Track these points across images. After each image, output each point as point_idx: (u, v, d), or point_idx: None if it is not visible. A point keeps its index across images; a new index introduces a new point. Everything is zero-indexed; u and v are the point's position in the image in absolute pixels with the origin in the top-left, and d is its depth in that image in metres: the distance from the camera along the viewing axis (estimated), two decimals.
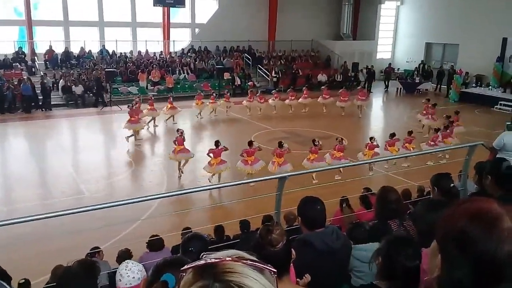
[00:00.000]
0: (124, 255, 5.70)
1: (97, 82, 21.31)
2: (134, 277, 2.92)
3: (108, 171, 13.25)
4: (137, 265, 3.02)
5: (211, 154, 11.46)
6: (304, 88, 21.48)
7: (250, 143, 11.70)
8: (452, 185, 3.90)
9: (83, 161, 14.05)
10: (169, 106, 17.84)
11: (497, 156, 6.08)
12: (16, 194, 11.01)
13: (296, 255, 2.48)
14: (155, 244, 6.14)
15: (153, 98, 18.30)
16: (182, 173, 12.23)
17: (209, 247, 3.49)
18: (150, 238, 6.24)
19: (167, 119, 18.12)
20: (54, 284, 3.31)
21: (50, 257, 6.46)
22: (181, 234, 6.01)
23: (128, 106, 15.95)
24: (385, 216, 3.58)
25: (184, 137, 12.44)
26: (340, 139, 12.30)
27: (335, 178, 11.28)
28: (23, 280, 5.56)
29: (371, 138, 12.75)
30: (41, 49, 23.62)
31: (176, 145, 12.28)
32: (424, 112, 17.17)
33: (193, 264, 0.88)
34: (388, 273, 2.33)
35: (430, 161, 12.15)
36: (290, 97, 20.46)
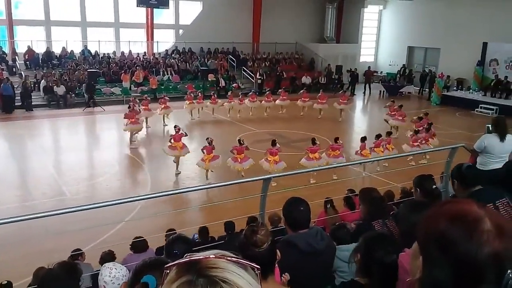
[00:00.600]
0: (107, 257, 5.64)
1: (88, 81, 21.01)
2: (119, 284, 2.66)
3: (90, 172, 13.10)
4: (121, 270, 2.77)
5: (204, 151, 11.85)
6: (281, 90, 21.67)
7: (239, 141, 12.12)
8: (434, 186, 3.96)
9: (65, 162, 13.87)
10: (163, 106, 17.75)
11: (478, 158, 6.19)
12: None
13: (281, 256, 2.49)
14: (138, 245, 6.11)
15: (148, 98, 18.18)
16: (178, 169, 12.49)
17: (193, 249, 3.45)
18: (134, 239, 6.20)
19: (163, 121, 17.98)
20: (36, 286, 3.27)
21: (33, 259, 6.35)
22: (165, 236, 5.98)
23: (129, 107, 15.85)
24: (375, 215, 3.61)
25: (183, 132, 12.75)
26: (338, 140, 12.49)
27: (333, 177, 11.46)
28: (6, 282, 5.50)
29: (363, 139, 12.83)
30: (22, 48, 23.27)
31: (172, 142, 12.48)
32: (393, 113, 17.31)
33: (177, 262, 0.89)
34: (366, 270, 2.36)
35: (411, 161, 12.30)
36: (266, 99, 20.49)
